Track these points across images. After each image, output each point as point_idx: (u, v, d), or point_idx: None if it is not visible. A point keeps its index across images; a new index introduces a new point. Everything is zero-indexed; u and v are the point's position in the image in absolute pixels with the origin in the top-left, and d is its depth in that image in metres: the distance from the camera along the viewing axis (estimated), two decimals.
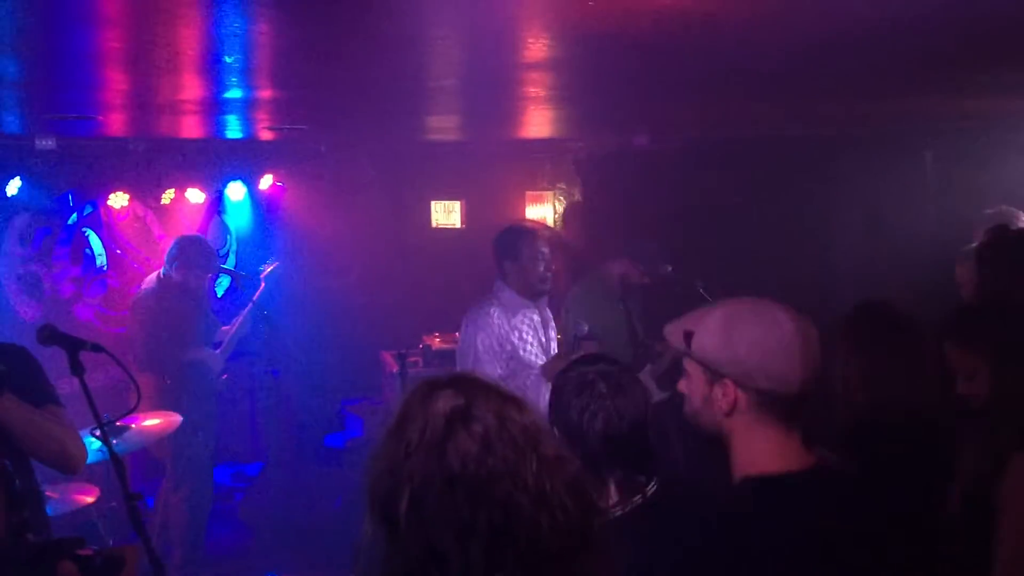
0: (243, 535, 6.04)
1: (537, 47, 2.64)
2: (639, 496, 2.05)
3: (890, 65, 3.20)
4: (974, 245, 3.30)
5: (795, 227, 5.95)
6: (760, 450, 1.75)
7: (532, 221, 7.80)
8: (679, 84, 3.60)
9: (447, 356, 6.35)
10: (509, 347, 4.10)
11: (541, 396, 3.88)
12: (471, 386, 1.33)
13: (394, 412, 1.38)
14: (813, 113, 5.01)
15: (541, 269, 4.14)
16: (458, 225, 7.83)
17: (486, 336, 4.09)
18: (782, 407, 1.73)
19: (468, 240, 7.62)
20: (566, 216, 7.52)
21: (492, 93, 3.82)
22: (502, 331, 4.10)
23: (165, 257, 5.34)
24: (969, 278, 3.17)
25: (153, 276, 5.40)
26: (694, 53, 2.86)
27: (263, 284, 5.69)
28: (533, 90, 3.72)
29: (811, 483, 1.73)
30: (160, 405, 4.79)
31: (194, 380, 5.14)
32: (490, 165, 7.38)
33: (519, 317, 4.17)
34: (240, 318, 5.65)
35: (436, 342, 6.55)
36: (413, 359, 6.10)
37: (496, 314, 4.10)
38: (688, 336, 1.79)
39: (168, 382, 4.95)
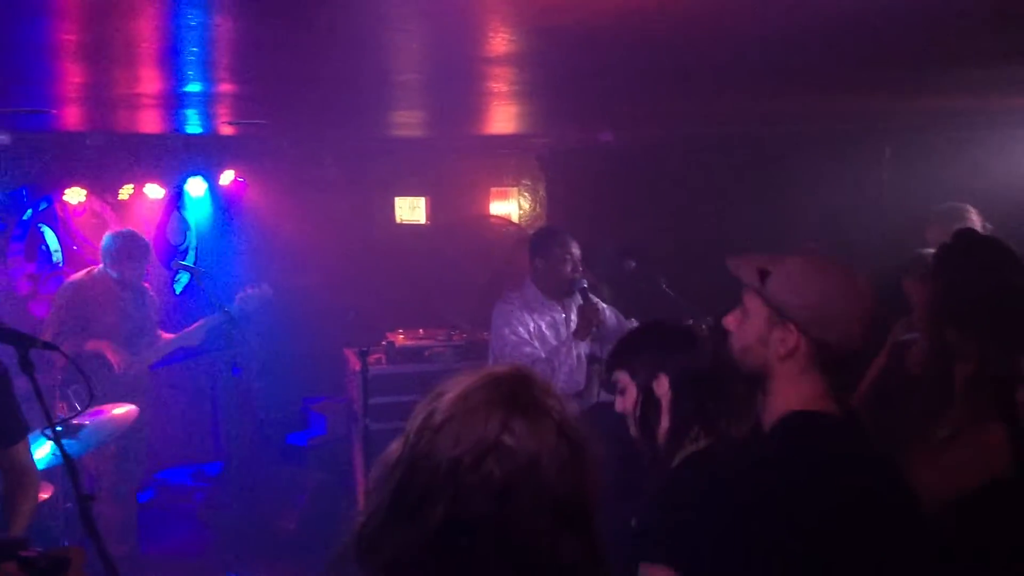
0: (203, 535, 5.97)
1: (498, 41, 2.63)
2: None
3: (850, 61, 3.23)
4: (926, 252, 3.29)
5: (755, 222, 5.99)
6: (805, 393, 1.79)
7: (498, 217, 7.81)
8: (640, 79, 3.61)
9: (411, 353, 6.33)
10: (527, 337, 4.24)
11: (558, 369, 4.04)
12: (533, 423, 1.28)
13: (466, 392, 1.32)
14: (773, 110, 5.05)
15: (568, 270, 4.27)
16: (423, 221, 7.81)
17: (511, 330, 4.23)
18: (836, 360, 1.78)
19: (433, 236, 7.60)
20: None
21: (454, 88, 3.81)
22: (522, 321, 4.26)
23: (102, 257, 5.20)
24: (919, 290, 3.13)
25: (84, 270, 5.27)
26: (655, 48, 2.86)
27: (239, 302, 5.52)
28: (496, 85, 3.71)
29: (853, 426, 1.81)
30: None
31: (93, 373, 4.97)
32: (455, 161, 7.37)
33: (538, 314, 4.32)
34: (186, 331, 5.49)
35: (400, 339, 6.51)
36: (376, 356, 6.06)
37: (517, 307, 4.28)
38: (763, 274, 1.81)
39: (61, 377, 4.79)
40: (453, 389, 1.32)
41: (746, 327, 1.84)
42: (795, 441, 1.77)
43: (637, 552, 1.98)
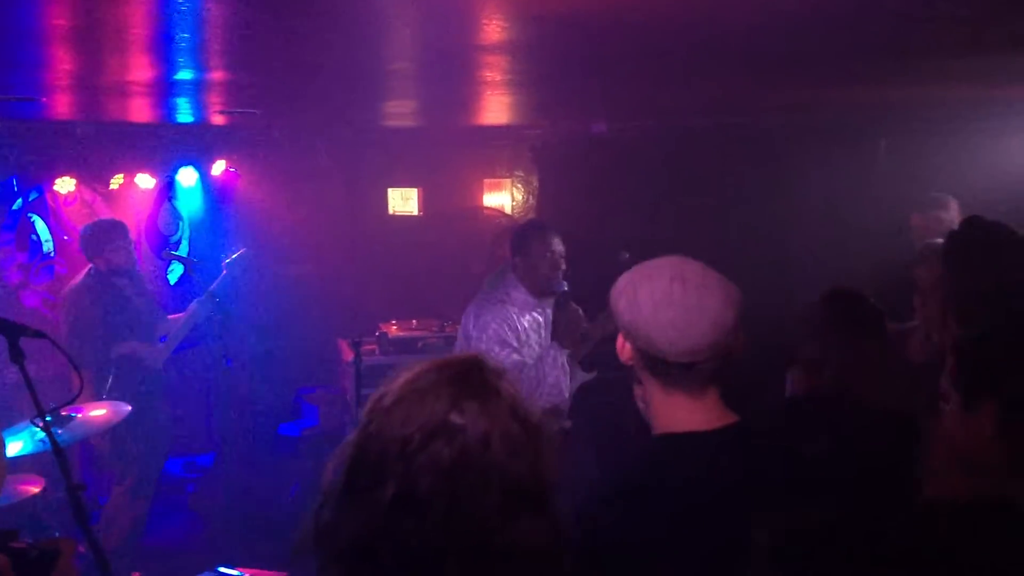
0: (194, 526, 5.96)
1: (492, 28, 2.61)
2: None
3: (845, 50, 3.23)
4: (938, 242, 3.31)
5: (753, 213, 5.99)
6: (664, 412, 1.74)
7: (491, 209, 7.80)
8: (634, 68, 3.60)
9: (404, 344, 6.32)
10: (519, 343, 4.06)
11: (543, 379, 3.88)
12: (483, 403, 1.28)
13: (416, 375, 1.32)
14: (768, 101, 5.04)
15: (549, 269, 4.08)
16: (415, 212, 7.79)
17: (503, 330, 4.02)
18: (670, 370, 1.70)
19: (425, 227, 7.59)
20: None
21: (448, 77, 3.78)
22: (519, 327, 4.07)
23: (84, 252, 5.12)
24: (928, 276, 3.16)
25: (80, 275, 5.19)
26: (649, 37, 2.85)
27: (225, 271, 5.53)
28: (489, 74, 3.68)
29: (713, 441, 1.71)
30: (91, 400, 4.66)
31: (123, 376, 4.94)
32: (448, 152, 7.35)
33: (528, 318, 4.13)
34: (191, 308, 5.50)
35: (393, 330, 6.50)
36: (369, 347, 6.05)
37: (514, 312, 4.06)
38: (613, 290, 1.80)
39: (93, 379, 4.77)
40: (405, 373, 1.34)
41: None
42: (640, 466, 1.75)
43: None
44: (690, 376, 1.70)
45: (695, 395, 1.72)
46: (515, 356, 3.96)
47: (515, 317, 4.05)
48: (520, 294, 4.11)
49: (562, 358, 3.94)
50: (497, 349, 3.94)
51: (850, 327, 2.56)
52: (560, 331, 3.99)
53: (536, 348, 4.10)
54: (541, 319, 4.18)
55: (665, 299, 1.67)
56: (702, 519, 1.63)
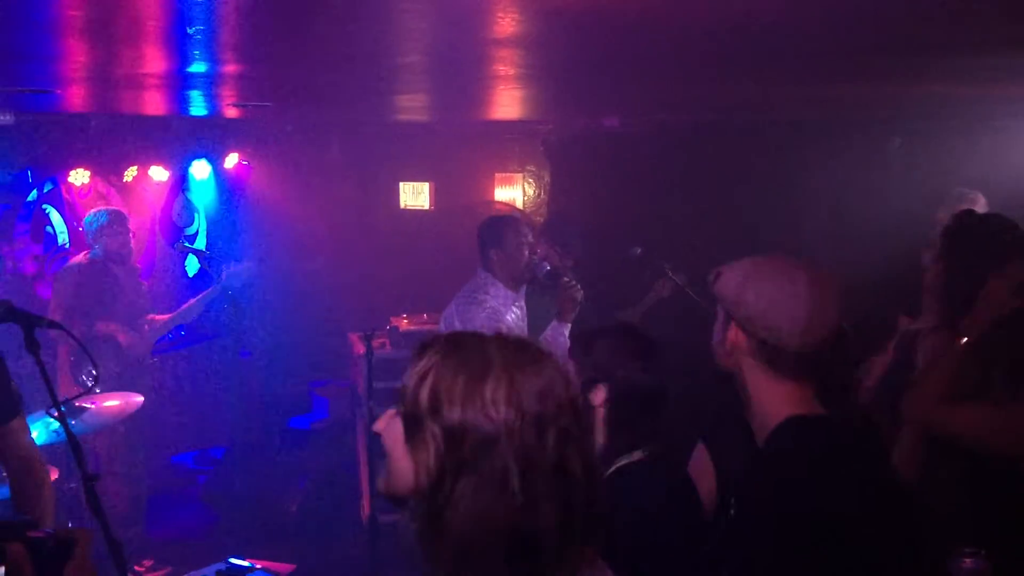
0: (206, 518, 5.99)
1: (506, 22, 2.61)
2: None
3: (857, 47, 3.21)
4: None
5: (764, 209, 5.97)
6: (770, 399, 1.82)
7: (502, 204, 7.79)
8: (647, 64, 3.59)
9: (415, 337, 6.31)
10: None
11: None
12: (555, 368, 1.33)
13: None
14: (781, 96, 5.02)
15: (526, 255, 4.15)
16: (426, 207, 7.79)
17: (492, 324, 4.05)
18: (784, 360, 1.79)
19: (436, 221, 7.59)
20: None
21: (460, 71, 3.78)
22: (506, 321, 4.12)
23: (85, 238, 5.32)
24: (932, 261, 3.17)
25: (81, 254, 5.37)
26: (662, 32, 2.84)
27: (224, 278, 5.57)
28: (502, 68, 3.68)
29: (826, 425, 1.81)
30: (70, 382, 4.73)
31: (101, 357, 5.02)
32: (459, 147, 7.35)
33: (510, 315, 4.17)
34: (187, 305, 5.57)
35: (404, 324, 6.50)
36: (380, 340, 6.06)
37: (499, 308, 4.12)
38: (716, 276, 1.88)
39: (72, 359, 4.86)
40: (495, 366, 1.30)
41: (714, 328, 1.91)
42: (786, 445, 1.81)
43: None
44: (804, 365, 1.80)
45: (803, 384, 1.82)
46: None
47: (501, 313, 4.11)
48: (499, 291, 4.16)
49: (565, 333, 4.01)
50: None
51: None
52: (562, 306, 4.06)
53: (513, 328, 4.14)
54: (520, 312, 4.24)
55: (795, 292, 1.77)
56: (866, 493, 1.75)
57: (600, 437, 2.23)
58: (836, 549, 1.68)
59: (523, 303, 4.29)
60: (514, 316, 4.18)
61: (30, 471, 2.74)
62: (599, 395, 2.23)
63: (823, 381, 1.85)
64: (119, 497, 5.13)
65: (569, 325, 4.06)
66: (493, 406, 1.25)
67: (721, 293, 1.86)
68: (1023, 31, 2.92)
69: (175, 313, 5.57)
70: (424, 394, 1.29)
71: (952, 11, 2.56)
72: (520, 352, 1.32)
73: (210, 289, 5.51)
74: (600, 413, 2.23)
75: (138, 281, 5.59)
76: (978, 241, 2.84)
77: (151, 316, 5.52)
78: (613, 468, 2.20)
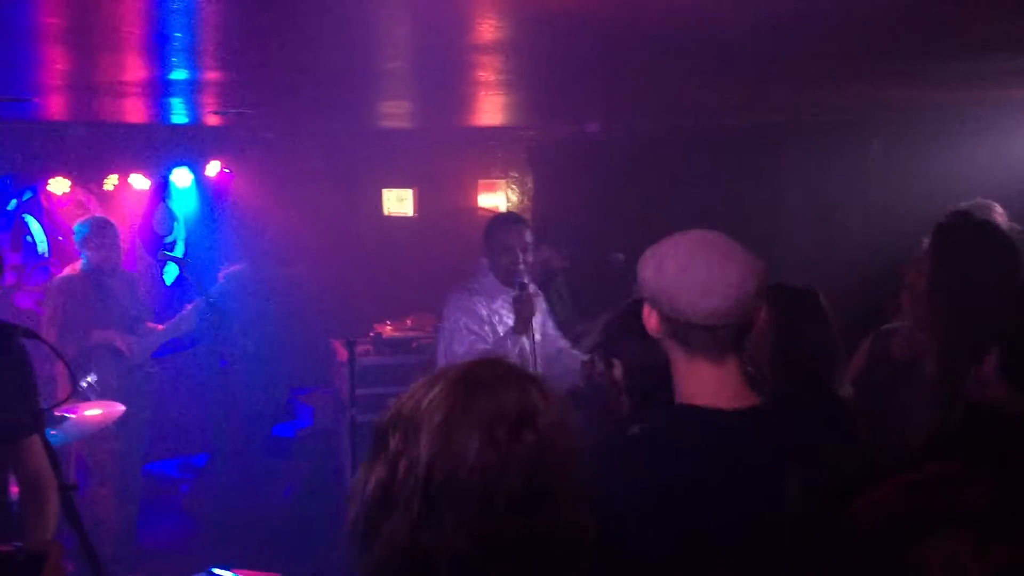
0: (188, 527, 5.95)
1: (485, 27, 2.61)
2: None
3: (836, 50, 3.23)
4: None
5: (747, 214, 5.99)
6: (688, 381, 1.79)
7: (486, 210, 7.79)
8: (629, 68, 3.60)
9: (398, 344, 6.31)
10: (488, 328, 4.20)
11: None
12: (539, 388, 1.27)
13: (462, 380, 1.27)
14: (763, 100, 5.04)
15: (507, 259, 4.21)
16: (410, 213, 7.78)
17: (469, 320, 4.19)
18: (691, 335, 1.75)
19: (420, 228, 7.58)
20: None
21: (442, 77, 3.78)
22: (482, 314, 4.21)
23: (77, 247, 5.23)
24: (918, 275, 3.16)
25: (70, 266, 5.30)
26: (643, 36, 2.85)
27: (221, 281, 5.56)
28: (483, 74, 3.68)
29: (733, 421, 1.75)
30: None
31: (101, 366, 4.97)
32: (443, 153, 7.34)
33: (498, 302, 4.26)
34: (180, 315, 5.52)
35: (387, 330, 6.49)
36: (364, 347, 6.04)
37: (478, 298, 4.23)
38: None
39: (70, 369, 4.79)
40: (438, 381, 1.28)
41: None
42: (663, 437, 1.78)
43: None
44: (711, 340, 1.75)
45: (717, 362, 1.77)
46: (480, 345, 4.13)
47: (479, 304, 4.20)
48: (489, 280, 4.27)
49: (521, 344, 4.08)
50: (465, 332, 4.16)
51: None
52: (516, 317, 4.13)
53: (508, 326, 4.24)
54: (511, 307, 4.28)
55: (689, 263, 1.75)
56: (711, 494, 1.69)
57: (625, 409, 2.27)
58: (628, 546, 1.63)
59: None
60: (501, 303, 4.24)
61: (37, 489, 2.70)
62: (617, 370, 2.26)
63: (754, 364, 1.82)
64: (108, 514, 5.09)
65: (523, 338, 4.11)
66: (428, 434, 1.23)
67: (638, 274, 1.85)
68: (1000, 33, 2.95)
69: (169, 323, 5.50)
70: (388, 414, 1.29)
71: (929, 16, 2.58)
72: (469, 384, 1.27)
73: (198, 300, 5.44)
74: (621, 387, 2.27)
75: (135, 289, 5.49)
76: (968, 242, 2.85)
77: (150, 325, 5.48)
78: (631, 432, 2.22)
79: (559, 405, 1.27)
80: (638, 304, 1.93)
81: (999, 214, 4.32)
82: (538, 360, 4.14)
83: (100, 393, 4.75)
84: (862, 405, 2.76)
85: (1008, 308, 2.62)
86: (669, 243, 1.83)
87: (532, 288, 4.23)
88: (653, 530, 1.67)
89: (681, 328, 1.76)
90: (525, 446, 1.21)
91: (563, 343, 4.44)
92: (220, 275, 5.48)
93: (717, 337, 1.75)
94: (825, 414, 2.48)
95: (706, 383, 1.77)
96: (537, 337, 4.20)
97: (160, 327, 5.47)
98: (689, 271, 1.74)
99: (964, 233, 2.87)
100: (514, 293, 4.15)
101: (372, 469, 1.26)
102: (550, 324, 4.46)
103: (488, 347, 4.08)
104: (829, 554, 1.49)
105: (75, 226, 5.29)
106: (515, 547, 1.20)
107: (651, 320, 1.83)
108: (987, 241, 2.86)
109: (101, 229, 5.20)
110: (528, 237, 4.26)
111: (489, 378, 1.26)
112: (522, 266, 4.20)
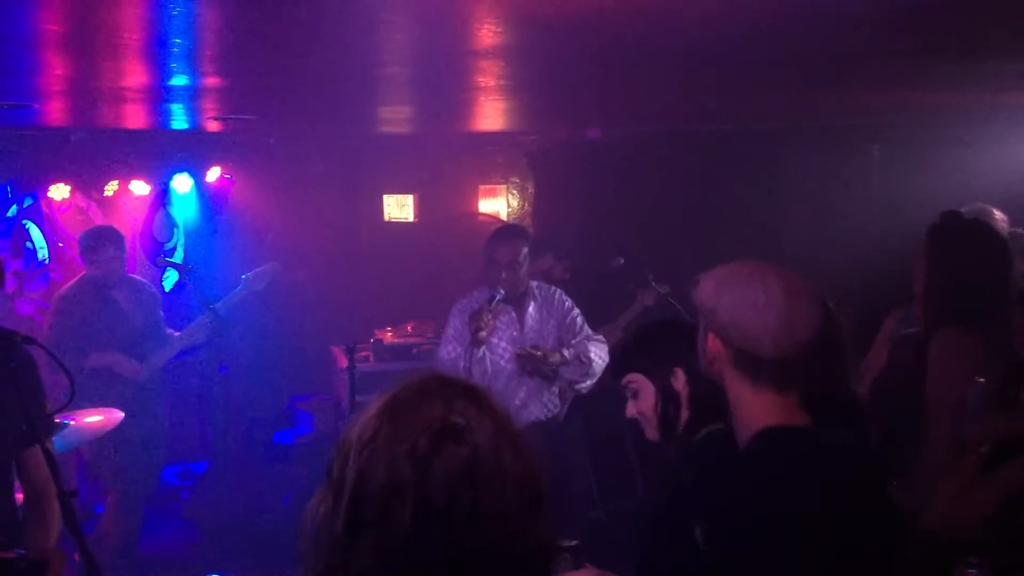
0: (188, 534, 5.93)
1: (484, 33, 2.61)
2: None
3: (837, 55, 3.23)
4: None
5: (746, 218, 6.00)
6: (754, 406, 1.80)
7: (486, 215, 7.80)
8: (628, 73, 3.60)
9: (399, 351, 6.30)
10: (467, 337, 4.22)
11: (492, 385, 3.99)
12: (478, 405, 1.25)
13: (393, 396, 1.28)
14: (762, 106, 5.04)
15: (492, 273, 4.23)
16: (411, 219, 7.78)
17: (460, 323, 4.25)
18: (763, 368, 1.77)
19: (421, 234, 7.58)
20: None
21: (441, 82, 3.78)
22: (466, 323, 4.21)
23: (81, 258, 5.07)
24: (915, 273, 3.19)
25: (74, 280, 5.14)
26: (643, 41, 2.85)
27: (242, 287, 5.52)
28: (483, 79, 3.69)
29: (809, 436, 1.80)
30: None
31: (100, 388, 4.79)
32: (443, 159, 7.34)
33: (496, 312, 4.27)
34: (192, 326, 5.43)
35: (388, 336, 6.49)
36: (364, 353, 6.04)
37: (473, 305, 4.25)
38: (695, 284, 1.87)
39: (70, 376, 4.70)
40: (377, 402, 1.28)
41: (698, 338, 1.90)
42: (758, 459, 1.80)
43: (674, 517, 1.97)
44: (783, 373, 1.78)
45: (784, 393, 1.79)
46: (450, 346, 4.25)
47: (467, 313, 4.22)
48: (485, 293, 4.28)
49: (476, 351, 4.13)
50: (452, 339, 4.27)
51: None
52: (471, 333, 4.14)
53: (506, 341, 4.26)
54: (509, 318, 4.30)
55: (769, 300, 1.76)
56: (819, 512, 1.73)
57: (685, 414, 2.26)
58: (789, 554, 1.69)
59: (524, 309, 4.34)
60: (503, 320, 4.26)
61: (42, 498, 2.66)
62: (679, 379, 2.25)
63: (810, 389, 1.83)
64: (112, 513, 5.06)
65: (484, 350, 4.14)
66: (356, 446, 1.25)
67: (698, 301, 1.85)
68: (1002, 37, 2.95)
69: (183, 333, 5.39)
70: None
71: (932, 17, 2.58)
72: (396, 403, 1.28)
73: (203, 316, 5.34)
74: (684, 395, 2.25)
75: (143, 299, 5.30)
76: (962, 243, 2.87)
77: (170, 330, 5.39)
78: (699, 436, 2.24)
79: (499, 421, 1.25)
80: (675, 319, 1.91)
81: (999, 219, 4.32)
82: (495, 373, 4.18)
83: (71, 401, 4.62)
84: (881, 413, 2.79)
85: (1003, 305, 2.68)
86: (735, 272, 1.83)
87: (497, 304, 4.18)
88: (774, 550, 1.70)
89: (754, 362, 1.78)
90: (448, 460, 1.19)
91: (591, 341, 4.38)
92: (250, 276, 5.45)
93: (786, 371, 1.78)
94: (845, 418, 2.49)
95: (771, 409, 1.79)
96: (503, 350, 4.24)
97: (177, 333, 5.41)
98: (770, 305, 1.75)
99: (955, 234, 2.89)
100: (478, 307, 4.16)
101: (319, 499, 1.28)
102: (577, 325, 4.39)
103: (459, 355, 4.15)
104: None
105: (81, 235, 5.15)
106: (436, 561, 1.19)
107: (714, 347, 1.83)
108: (978, 240, 2.89)
109: (97, 243, 5.01)
110: (521, 254, 4.25)
111: (415, 395, 1.26)
112: (504, 281, 4.19)
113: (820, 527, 1.72)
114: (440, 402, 1.24)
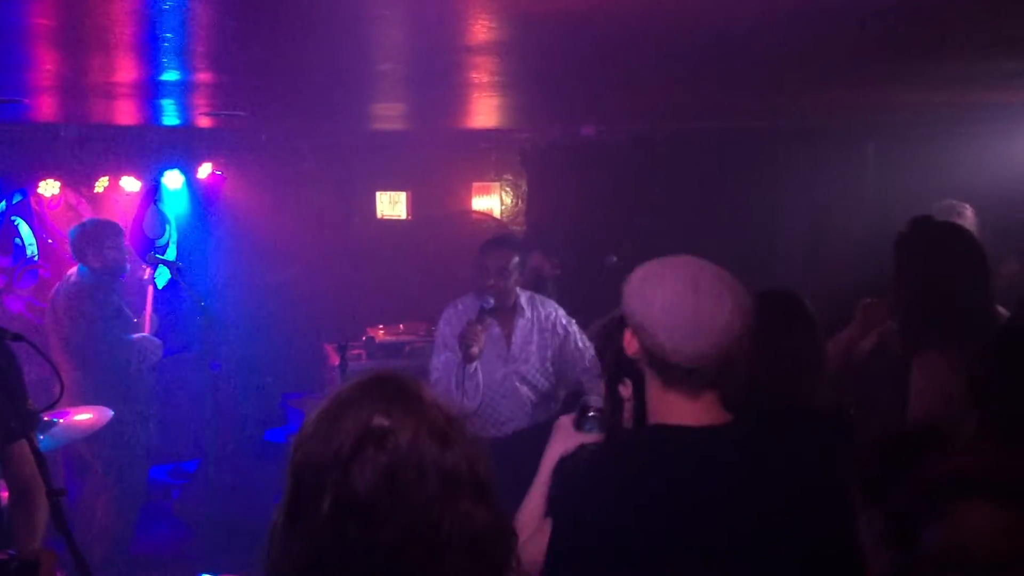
0: (179, 532, 5.90)
1: (478, 28, 2.59)
2: None
3: (832, 52, 3.22)
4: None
5: (742, 217, 6.00)
6: (660, 407, 1.76)
7: (479, 213, 7.78)
8: (623, 70, 3.59)
9: (391, 349, 6.28)
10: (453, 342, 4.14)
11: (452, 382, 3.98)
12: (404, 405, 1.32)
13: (333, 396, 1.36)
14: (758, 104, 5.03)
15: (481, 280, 4.16)
16: (404, 216, 7.76)
17: (450, 330, 4.16)
18: (673, 373, 1.71)
19: (414, 231, 7.56)
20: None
21: (435, 78, 3.76)
22: (455, 326, 4.15)
23: (76, 252, 5.07)
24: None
25: (73, 271, 5.14)
26: (637, 38, 2.84)
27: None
28: (477, 76, 3.67)
29: (703, 437, 1.72)
30: (83, 402, 4.60)
31: (117, 374, 4.90)
32: (436, 156, 7.32)
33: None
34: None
35: (380, 334, 6.47)
36: (356, 352, 6.02)
37: (460, 312, 4.20)
38: (627, 279, 1.81)
39: (91, 379, 4.75)
40: (322, 401, 1.38)
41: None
42: (638, 455, 1.77)
43: None
44: (691, 379, 1.72)
45: (692, 396, 1.73)
46: (443, 355, 4.16)
47: (456, 320, 4.15)
48: (468, 301, 4.22)
49: (468, 367, 4.01)
50: (442, 347, 4.20)
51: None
52: (459, 346, 4.05)
53: (491, 351, 4.15)
54: (497, 331, 4.20)
55: (676, 304, 1.69)
56: (687, 510, 1.66)
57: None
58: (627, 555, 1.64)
59: (513, 320, 4.23)
60: (493, 333, 4.17)
61: (27, 494, 2.63)
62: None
63: (731, 390, 1.76)
64: (106, 512, 5.05)
65: (474, 367, 4.05)
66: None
67: (624, 297, 1.78)
68: (997, 35, 2.94)
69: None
70: None
71: (929, 15, 2.58)
72: (339, 403, 1.35)
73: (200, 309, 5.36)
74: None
75: (125, 295, 5.39)
76: (930, 246, 2.90)
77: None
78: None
79: (426, 418, 1.31)
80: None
81: (965, 218, 4.38)
82: (487, 388, 4.09)
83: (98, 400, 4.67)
84: (860, 397, 2.84)
85: (969, 301, 2.76)
86: (656, 271, 1.76)
87: (486, 317, 4.10)
88: (625, 545, 1.65)
89: (661, 363, 1.72)
90: (367, 462, 1.27)
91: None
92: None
93: (697, 376, 1.71)
94: (819, 413, 2.48)
95: (677, 410, 1.74)
96: (491, 367, 4.13)
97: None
98: (676, 310, 1.68)
99: (920, 240, 2.94)
100: (467, 320, 4.08)
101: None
102: (585, 358, 4.23)
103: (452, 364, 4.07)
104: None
105: (78, 227, 5.14)
106: (361, 552, 1.25)
107: (631, 345, 1.78)
108: (941, 243, 2.94)
109: (110, 230, 5.07)
110: (511, 262, 4.15)
111: (349, 396, 1.34)
112: (493, 288, 4.11)
113: (673, 528, 1.65)
114: (368, 404, 1.32)
